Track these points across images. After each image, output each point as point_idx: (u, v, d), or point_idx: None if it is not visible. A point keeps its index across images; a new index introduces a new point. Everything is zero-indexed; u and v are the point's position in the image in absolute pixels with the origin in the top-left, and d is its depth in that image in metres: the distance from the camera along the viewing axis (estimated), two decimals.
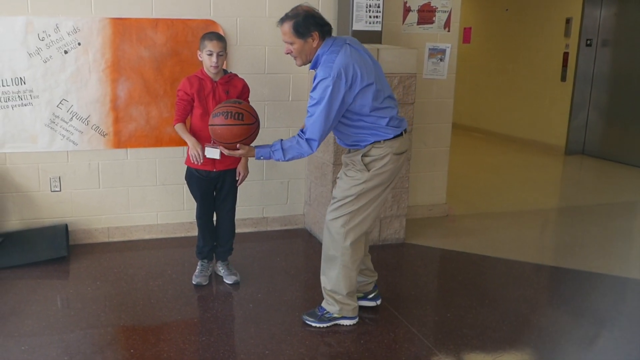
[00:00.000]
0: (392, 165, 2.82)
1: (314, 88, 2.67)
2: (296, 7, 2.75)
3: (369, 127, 2.77)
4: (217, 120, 2.77)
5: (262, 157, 2.79)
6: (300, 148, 2.72)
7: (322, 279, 2.99)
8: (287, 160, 2.79)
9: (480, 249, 4.17)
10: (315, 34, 2.69)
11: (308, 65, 4.29)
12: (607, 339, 2.97)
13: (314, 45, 2.71)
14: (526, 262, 3.93)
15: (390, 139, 2.79)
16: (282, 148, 2.73)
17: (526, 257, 4.02)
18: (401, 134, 2.84)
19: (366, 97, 2.70)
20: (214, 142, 2.90)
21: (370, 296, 3.20)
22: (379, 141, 2.79)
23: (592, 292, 3.50)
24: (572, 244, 4.34)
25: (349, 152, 2.95)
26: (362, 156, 2.79)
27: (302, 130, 2.75)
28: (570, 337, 2.96)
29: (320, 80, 2.64)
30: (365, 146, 2.81)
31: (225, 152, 2.84)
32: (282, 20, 2.72)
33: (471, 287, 3.51)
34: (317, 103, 2.66)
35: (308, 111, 2.73)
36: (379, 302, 3.22)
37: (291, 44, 2.72)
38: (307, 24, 2.67)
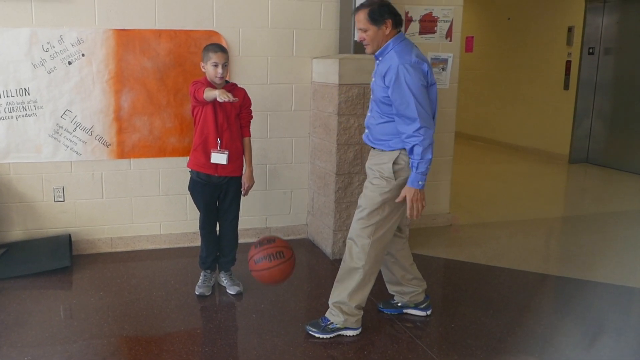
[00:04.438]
0: None
1: (395, 78, 2.67)
2: None
3: None
4: (263, 265, 2.86)
5: (419, 182, 2.73)
6: (422, 142, 2.67)
7: (335, 290, 2.98)
8: (432, 157, 2.73)
9: (485, 258, 4.15)
10: (389, 22, 2.76)
11: (310, 76, 4.32)
12: (613, 350, 2.94)
13: (387, 32, 2.77)
14: (531, 272, 3.90)
15: None
16: (421, 157, 2.69)
17: (531, 266, 4.00)
18: None
19: (429, 96, 2.78)
20: (262, 278, 2.95)
21: (422, 306, 3.21)
22: (406, 149, 2.81)
23: (598, 302, 3.48)
24: (577, 253, 4.32)
25: (372, 157, 2.94)
26: (392, 164, 2.81)
27: (404, 133, 2.72)
28: (576, 348, 2.94)
29: (399, 68, 2.66)
30: (391, 150, 2.82)
31: (415, 215, 2.76)
32: (358, 9, 2.81)
33: (475, 297, 3.50)
34: (403, 92, 2.66)
35: (399, 105, 2.69)
36: (429, 312, 3.22)
37: (365, 31, 2.78)
38: (381, 12, 2.75)
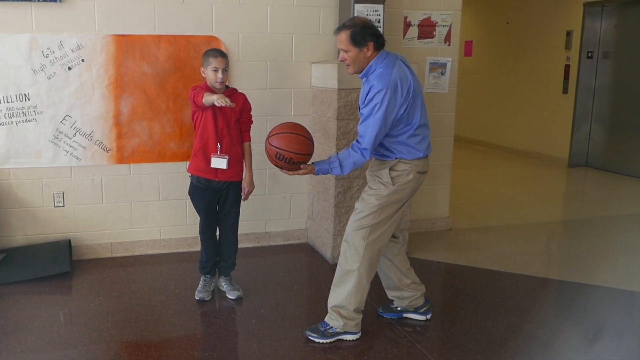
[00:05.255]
0: (414, 183, 2.89)
1: (371, 98, 2.73)
2: (353, 18, 2.89)
3: (405, 143, 2.84)
4: (291, 129, 2.83)
5: (320, 173, 2.85)
6: (355, 159, 2.78)
7: (332, 294, 2.98)
8: (402, 171, 2.84)
9: (484, 262, 4.15)
10: (371, 44, 2.77)
11: (309, 81, 4.34)
12: (614, 354, 2.94)
13: (368, 54, 2.79)
14: (531, 276, 3.90)
15: (417, 158, 2.87)
16: (340, 165, 2.80)
17: (531, 270, 4.00)
18: (427, 156, 2.94)
19: (415, 112, 2.81)
20: (278, 158, 2.84)
21: (422, 310, 3.21)
22: (407, 157, 2.85)
23: (598, 305, 3.48)
24: (577, 257, 4.32)
25: (373, 165, 2.98)
26: (389, 170, 2.85)
27: (357, 141, 2.80)
28: (577, 352, 2.94)
29: (378, 91, 2.71)
30: (394, 158, 2.87)
31: (289, 173, 2.86)
32: (340, 29, 2.82)
33: (475, 302, 3.49)
34: (373, 113, 2.71)
35: (362, 121, 2.78)
36: (429, 316, 3.22)
37: (346, 51, 2.80)
38: (363, 34, 2.75)
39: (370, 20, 2.90)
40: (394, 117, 2.75)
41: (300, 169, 2.83)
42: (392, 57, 2.83)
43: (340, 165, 2.80)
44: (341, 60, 2.87)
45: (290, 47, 4.21)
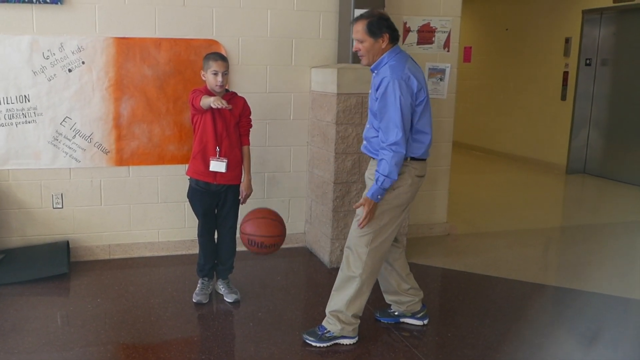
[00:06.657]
0: (412, 188, 2.89)
1: (385, 90, 2.72)
2: (371, 10, 2.91)
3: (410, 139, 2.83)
4: (258, 215, 3.17)
5: (379, 196, 2.78)
6: (391, 159, 2.71)
7: (332, 299, 2.98)
8: (399, 175, 2.76)
9: (482, 268, 4.16)
10: (386, 36, 2.79)
11: (308, 85, 4.35)
12: None
13: (383, 46, 2.80)
14: (528, 282, 3.91)
15: (415, 159, 2.87)
16: (384, 175, 2.72)
17: (528, 276, 4.01)
18: (424, 160, 2.93)
19: (425, 110, 2.82)
20: (253, 244, 3.11)
21: (419, 315, 3.21)
22: (406, 158, 2.84)
23: (595, 312, 3.49)
24: (574, 264, 4.33)
25: (371, 167, 2.97)
26: None
27: (382, 145, 2.76)
28: (572, 358, 2.94)
29: (391, 82, 2.71)
30: None
31: (363, 224, 2.81)
32: (357, 19, 2.84)
33: (472, 307, 3.50)
34: (390, 103, 2.70)
35: (380, 119, 2.75)
36: (426, 321, 3.22)
37: (362, 42, 2.81)
38: (380, 25, 2.78)
39: (387, 13, 2.90)
40: (409, 105, 2.71)
41: (276, 250, 3.12)
42: (405, 54, 2.85)
43: (386, 175, 2.71)
44: (355, 51, 2.88)
45: (290, 51, 4.23)
